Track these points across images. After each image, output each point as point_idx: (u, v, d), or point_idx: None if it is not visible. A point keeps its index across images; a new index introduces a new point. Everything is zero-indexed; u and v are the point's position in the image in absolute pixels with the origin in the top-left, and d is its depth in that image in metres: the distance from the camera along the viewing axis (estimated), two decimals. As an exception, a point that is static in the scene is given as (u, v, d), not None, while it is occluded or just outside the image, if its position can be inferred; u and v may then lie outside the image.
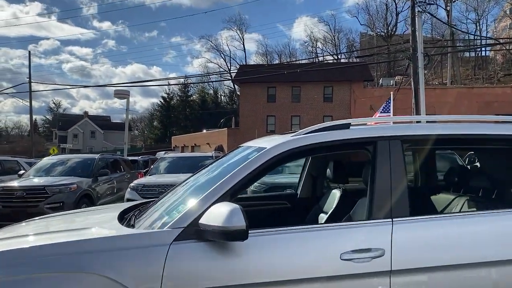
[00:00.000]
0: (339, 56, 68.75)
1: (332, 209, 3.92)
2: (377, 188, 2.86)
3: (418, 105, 15.96)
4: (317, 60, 58.74)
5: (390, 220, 2.75)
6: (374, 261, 2.62)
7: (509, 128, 3.19)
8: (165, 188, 9.94)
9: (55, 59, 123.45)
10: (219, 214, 2.47)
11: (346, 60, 62.16)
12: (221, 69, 72.28)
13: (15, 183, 11.05)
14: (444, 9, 50.56)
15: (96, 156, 13.33)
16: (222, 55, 76.01)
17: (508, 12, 57.98)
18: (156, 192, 10.33)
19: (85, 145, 76.54)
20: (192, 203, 2.72)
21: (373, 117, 16.02)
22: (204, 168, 3.73)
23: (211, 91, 79.20)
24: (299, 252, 2.62)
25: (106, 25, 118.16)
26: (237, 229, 2.41)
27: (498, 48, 48.10)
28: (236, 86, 60.90)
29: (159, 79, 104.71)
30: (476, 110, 32.75)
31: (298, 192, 4.74)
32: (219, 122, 54.09)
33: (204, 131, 50.06)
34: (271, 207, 4.51)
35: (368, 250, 2.63)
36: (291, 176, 10.61)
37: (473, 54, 63.37)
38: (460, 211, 3.41)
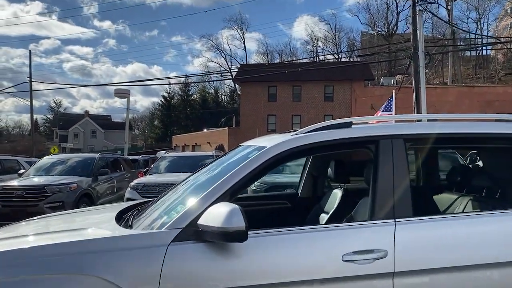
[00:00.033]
0: (340, 55, 68.68)
1: (333, 209, 3.87)
2: (380, 188, 2.81)
3: (419, 104, 15.91)
4: (317, 59, 58.71)
5: (393, 220, 2.70)
6: (376, 262, 2.57)
7: None
8: (166, 188, 9.89)
9: (55, 58, 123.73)
10: (218, 214, 2.42)
11: (347, 59, 62.05)
12: (222, 68, 72.29)
13: (14, 183, 11.02)
14: (445, 8, 50.42)
15: (96, 155, 13.29)
16: (222, 54, 75.98)
17: (509, 11, 57.88)
18: (156, 192, 10.27)
19: (85, 145, 76.57)
20: (190, 203, 2.67)
21: (375, 115, 15.96)
22: (203, 167, 3.69)
23: (212, 91, 79.24)
24: (300, 253, 2.57)
25: (106, 24, 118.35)
26: (236, 230, 2.36)
27: (499, 47, 47.97)
28: (236, 85, 60.92)
29: (160, 78, 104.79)
30: (477, 109, 32.66)
31: (299, 191, 4.69)
32: (219, 121, 54.05)
33: (205, 130, 50.05)
34: (271, 207, 4.46)
35: (370, 251, 2.58)
36: (291, 175, 10.56)
37: (474, 53, 63.30)
38: (463, 211, 3.36)
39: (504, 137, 3.12)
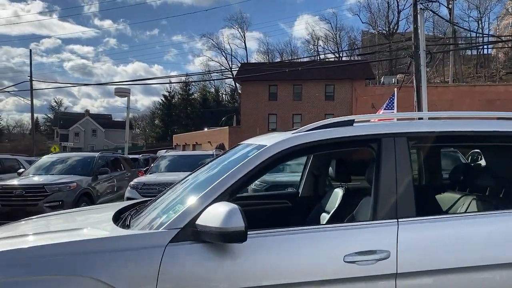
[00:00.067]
0: (341, 54, 68.60)
1: (335, 208, 3.81)
2: (382, 187, 2.75)
3: (420, 103, 15.85)
4: (318, 58, 58.67)
5: (396, 220, 2.64)
6: (379, 263, 2.51)
7: None
8: (166, 187, 9.80)
9: (56, 57, 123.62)
10: (216, 214, 2.36)
11: (348, 58, 61.96)
12: (223, 67, 72.23)
13: (14, 182, 10.97)
14: (446, 7, 50.24)
15: (96, 154, 13.25)
16: (223, 53, 75.95)
17: (510, 10, 57.69)
18: (157, 191, 10.22)
19: (86, 144, 76.57)
20: (189, 202, 2.61)
21: (377, 113, 15.87)
22: (202, 166, 3.63)
23: (213, 90, 79.26)
24: (300, 253, 2.51)
25: (107, 23, 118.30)
26: (235, 230, 2.30)
27: (500, 46, 47.87)
28: (237, 84, 60.87)
29: (161, 77, 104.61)
30: (478, 109, 32.59)
31: (300, 190, 4.63)
32: (220, 120, 54.01)
33: (206, 129, 50.05)
34: (271, 206, 4.40)
35: (372, 252, 2.52)
36: (292, 174, 10.51)
37: (475, 52, 63.14)
38: (466, 211, 3.30)
39: (509, 135, 3.06)
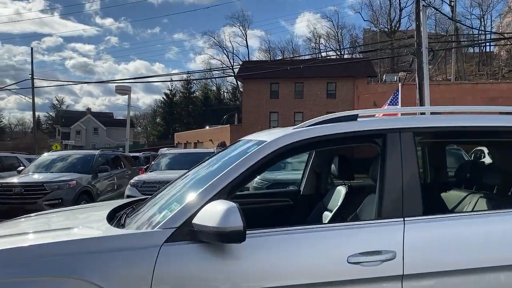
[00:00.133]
0: (342, 52, 68.45)
1: (337, 207, 3.70)
2: (387, 185, 2.63)
3: (422, 101, 15.74)
4: (320, 56, 58.54)
5: (402, 219, 2.52)
6: (384, 264, 2.40)
7: None
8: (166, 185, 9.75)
9: (58, 56, 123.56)
10: (214, 213, 2.25)
11: (350, 56, 61.83)
12: (224, 66, 72.10)
13: (13, 180, 10.89)
14: (448, 4, 50.11)
15: (96, 152, 13.16)
16: (225, 51, 75.79)
17: (512, 7, 57.50)
18: (157, 189, 10.07)
19: (88, 142, 76.57)
20: (185, 201, 2.50)
21: (381, 108, 15.74)
22: (201, 163, 3.52)
23: (214, 88, 79.21)
24: (302, 254, 2.40)
25: (108, 21, 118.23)
26: (233, 230, 2.19)
27: (502, 43, 47.69)
28: (239, 82, 60.74)
29: (162, 75, 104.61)
30: (481, 106, 32.43)
31: (301, 188, 4.51)
32: (222, 118, 53.86)
33: (207, 127, 49.98)
34: (272, 205, 4.29)
35: (377, 252, 2.41)
36: (294, 172, 10.40)
37: (477, 50, 62.97)
38: (473, 210, 3.19)
39: None
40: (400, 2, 62.92)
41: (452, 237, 2.52)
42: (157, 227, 2.39)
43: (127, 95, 29.95)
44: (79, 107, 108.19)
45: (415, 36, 16.69)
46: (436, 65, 55.85)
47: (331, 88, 40.35)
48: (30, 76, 34.75)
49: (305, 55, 67.37)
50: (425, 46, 15.75)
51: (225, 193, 2.48)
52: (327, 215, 3.77)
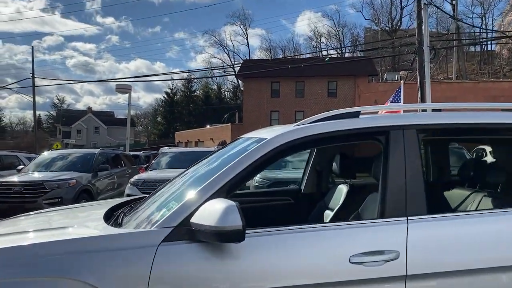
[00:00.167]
0: (343, 50, 68.36)
1: (339, 205, 3.64)
2: (390, 183, 2.56)
3: (423, 99, 15.68)
4: (321, 55, 58.45)
5: (405, 218, 2.46)
6: (387, 264, 2.34)
7: None
8: (166, 184, 9.69)
9: (59, 55, 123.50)
10: (212, 212, 2.19)
11: (351, 55, 61.75)
12: (225, 64, 72.04)
13: (13, 178, 10.85)
14: (450, 3, 50.10)
15: (96, 151, 13.11)
16: (225, 50, 75.74)
17: (514, 6, 57.33)
18: (157, 188, 10.07)
19: (88, 141, 76.52)
20: (183, 199, 2.44)
21: (384, 105, 15.65)
22: (200, 161, 3.46)
23: (215, 87, 79.12)
24: (302, 254, 2.34)
25: (109, 20, 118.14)
26: (232, 229, 2.13)
27: (504, 41, 47.54)
28: (239, 81, 60.68)
29: (162, 74, 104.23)
30: (482, 105, 32.33)
31: (302, 187, 4.45)
32: (222, 117, 53.84)
33: (208, 126, 49.91)
34: (272, 203, 4.23)
35: (380, 252, 2.35)
36: (295, 171, 10.34)
37: (478, 48, 62.87)
38: (476, 209, 3.13)
39: None
40: (401, 1, 62.97)
41: (457, 236, 2.46)
42: (154, 226, 2.34)
43: (127, 94, 29.84)
44: (80, 106, 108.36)
45: (416, 35, 16.64)
46: (438, 64, 55.76)
47: (332, 87, 40.29)
48: (31, 75, 34.72)
49: (306, 53, 67.38)
50: (426, 44, 15.68)
51: (224, 192, 2.42)
52: (328, 214, 3.72)
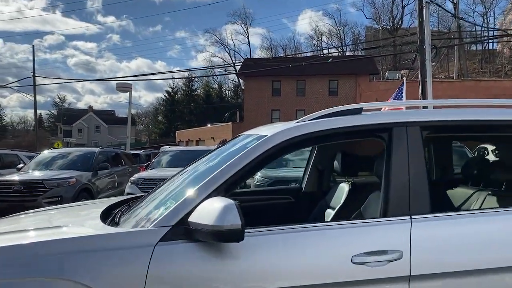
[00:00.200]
0: (344, 49, 68.28)
1: (340, 204, 3.58)
2: (393, 181, 2.50)
3: (425, 98, 15.57)
4: (322, 54, 58.40)
5: (409, 217, 2.41)
6: (390, 264, 2.28)
7: None
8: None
9: (60, 54, 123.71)
10: (211, 211, 2.13)
11: (352, 54, 61.62)
12: (226, 63, 71.98)
13: (13, 177, 10.81)
14: (451, 1, 49.99)
15: (96, 149, 13.07)
16: (226, 49, 75.61)
17: (516, 4, 57.19)
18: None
19: (89, 140, 76.54)
20: (181, 198, 2.38)
21: (386, 102, 15.55)
22: (199, 159, 3.40)
23: (216, 86, 79.03)
24: (303, 254, 2.28)
25: (110, 19, 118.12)
26: (231, 228, 2.07)
27: (505, 40, 47.43)
28: (240, 80, 60.65)
29: (163, 72, 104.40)
30: (484, 104, 32.24)
31: (303, 186, 4.39)
32: (223, 116, 53.78)
33: (209, 125, 49.84)
34: (273, 202, 4.18)
35: (383, 252, 2.29)
36: (296, 170, 10.28)
37: (480, 47, 62.69)
38: (480, 207, 3.07)
39: None
40: (402, 0, 62.80)
41: (462, 236, 2.40)
42: (151, 225, 2.28)
43: (128, 93, 29.80)
44: (81, 105, 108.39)
45: (418, 33, 16.53)
46: (439, 62, 55.67)
47: (333, 86, 40.23)
48: (32, 74, 34.69)
49: (307, 51, 67.31)
50: (428, 43, 15.59)
51: (223, 190, 2.37)
52: (329, 213, 3.66)
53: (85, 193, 11.02)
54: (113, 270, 2.13)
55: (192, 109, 73.96)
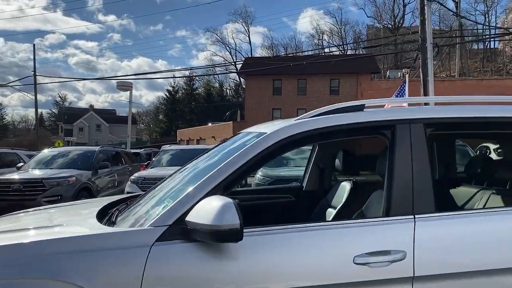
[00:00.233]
0: (345, 47, 68.19)
1: (342, 203, 3.53)
2: (396, 180, 2.44)
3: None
4: (323, 53, 58.34)
5: (412, 217, 2.34)
6: (393, 265, 2.22)
7: None
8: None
9: (61, 53, 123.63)
10: (209, 210, 2.07)
11: (353, 53, 61.53)
12: (227, 62, 71.89)
13: (12, 176, 10.75)
14: (453, 0, 49.82)
15: (96, 148, 13.02)
16: (227, 48, 75.56)
17: (518, 3, 57.04)
18: (156, 185, 9.96)
19: (90, 139, 76.55)
20: (178, 197, 2.32)
21: (388, 98, 15.48)
22: (198, 157, 3.34)
23: (217, 84, 78.92)
24: (304, 254, 2.22)
25: (111, 18, 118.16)
26: (229, 228, 2.01)
27: (507, 39, 47.30)
28: (241, 79, 60.60)
29: (164, 71, 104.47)
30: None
31: (304, 184, 4.34)
32: (224, 115, 53.73)
33: (210, 124, 49.78)
34: (273, 201, 4.12)
35: (386, 252, 2.23)
36: (297, 169, 10.23)
37: (481, 46, 62.53)
38: (484, 207, 3.01)
39: None
40: (404, -2, 62.66)
41: (467, 236, 2.34)
42: (148, 225, 2.22)
43: (128, 91, 29.76)
44: (82, 104, 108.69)
45: (419, 32, 16.45)
46: (440, 61, 55.57)
47: (334, 85, 40.16)
48: (33, 73, 34.69)
49: (308, 50, 67.22)
50: (429, 41, 15.52)
51: (222, 189, 2.31)
52: (330, 212, 3.60)
53: (85, 192, 10.97)
54: (108, 270, 2.08)
55: (193, 108, 73.92)
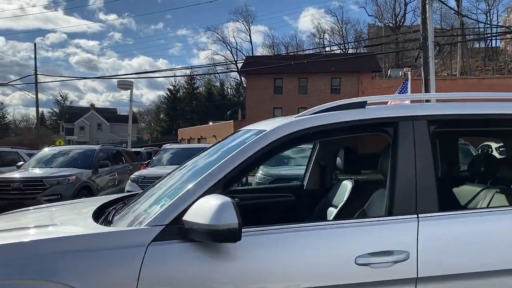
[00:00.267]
0: (346, 46, 68.12)
1: (343, 202, 3.47)
2: (399, 178, 2.38)
3: (428, 95, 15.47)
4: (324, 51, 58.26)
5: (416, 216, 2.29)
6: (396, 266, 2.17)
7: None
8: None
9: (62, 52, 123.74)
10: (206, 209, 2.02)
11: (354, 51, 61.49)
12: (227, 61, 71.84)
13: (12, 175, 10.73)
14: (454, -1, 49.67)
15: (97, 147, 12.99)
16: (228, 47, 75.60)
17: (519, 2, 56.90)
18: (156, 184, 9.92)
19: (91, 138, 76.60)
20: (176, 195, 2.26)
21: (390, 95, 15.43)
22: (197, 155, 3.29)
23: (218, 83, 78.90)
24: (305, 254, 2.17)
25: (112, 17, 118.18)
26: (227, 227, 1.96)
27: (509, 37, 47.19)
28: (242, 78, 60.55)
29: (165, 70, 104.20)
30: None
31: (304, 183, 4.28)
32: (225, 114, 53.74)
33: (210, 123, 49.79)
34: (273, 200, 4.06)
35: (389, 252, 2.18)
36: (297, 167, 10.19)
37: (483, 45, 62.42)
38: (488, 206, 2.96)
39: None
40: (405, -3, 62.58)
41: (472, 235, 2.28)
42: (144, 224, 2.17)
43: (129, 90, 29.73)
44: (83, 103, 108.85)
45: (420, 30, 16.42)
46: (442, 60, 55.46)
47: (336, 83, 40.12)
48: (34, 72, 34.68)
49: (309, 49, 67.12)
50: (431, 40, 15.49)
51: (220, 187, 2.25)
52: (332, 212, 3.55)
53: (85, 190, 10.94)
54: (103, 271, 2.02)
55: (194, 107, 73.93)
